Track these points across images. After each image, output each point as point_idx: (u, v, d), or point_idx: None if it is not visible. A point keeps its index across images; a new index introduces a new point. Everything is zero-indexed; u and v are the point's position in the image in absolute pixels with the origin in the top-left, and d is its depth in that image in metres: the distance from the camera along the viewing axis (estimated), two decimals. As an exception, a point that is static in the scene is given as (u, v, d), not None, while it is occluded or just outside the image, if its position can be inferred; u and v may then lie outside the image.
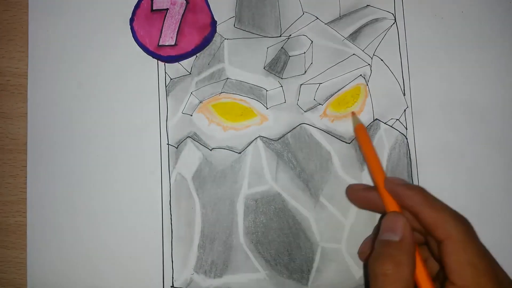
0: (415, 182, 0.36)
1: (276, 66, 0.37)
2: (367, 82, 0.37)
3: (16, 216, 0.37)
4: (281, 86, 0.37)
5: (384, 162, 0.37)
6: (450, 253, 0.28)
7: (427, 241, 0.31)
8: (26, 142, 0.37)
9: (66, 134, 0.37)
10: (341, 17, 0.38)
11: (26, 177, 0.37)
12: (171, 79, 0.37)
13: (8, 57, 0.38)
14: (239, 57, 0.37)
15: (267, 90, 0.37)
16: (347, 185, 0.36)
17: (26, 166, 0.37)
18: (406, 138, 0.37)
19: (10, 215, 0.37)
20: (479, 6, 0.38)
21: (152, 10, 0.37)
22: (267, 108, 0.37)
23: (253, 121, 0.37)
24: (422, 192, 0.30)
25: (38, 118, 0.37)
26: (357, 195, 0.34)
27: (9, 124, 0.38)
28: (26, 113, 0.37)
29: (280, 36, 0.37)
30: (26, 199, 0.36)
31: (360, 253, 0.35)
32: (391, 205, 0.31)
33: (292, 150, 0.36)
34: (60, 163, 0.36)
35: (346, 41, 0.38)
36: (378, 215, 0.36)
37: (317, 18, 0.38)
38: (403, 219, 0.30)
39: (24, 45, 0.38)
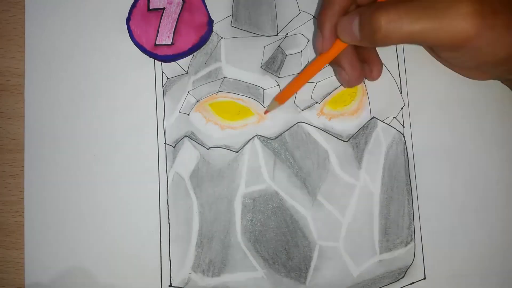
0: (413, 180, 0.36)
1: (273, 65, 0.37)
2: (364, 80, 0.37)
3: (15, 216, 0.37)
4: (278, 85, 0.37)
5: (381, 160, 0.36)
6: None
7: None
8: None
9: (63, 134, 0.37)
10: (337, 15, 0.38)
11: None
12: (168, 78, 0.37)
13: (8, 57, 0.38)
14: (236, 56, 0.37)
15: (264, 89, 0.37)
16: (343, 184, 0.36)
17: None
18: (404, 136, 0.37)
19: (10, 215, 0.37)
20: (476, 3, 0.38)
21: (148, 9, 0.37)
22: (264, 107, 0.37)
23: (250, 120, 0.37)
24: None
25: (35, 118, 0.37)
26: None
27: (9, 124, 0.38)
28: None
29: (277, 35, 0.37)
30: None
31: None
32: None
33: (290, 149, 0.36)
34: (57, 163, 0.37)
35: (343, 39, 0.37)
36: (375, 213, 0.36)
37: (314, 17, 0.38)
38: None
39: (24, 45, 0.38)
